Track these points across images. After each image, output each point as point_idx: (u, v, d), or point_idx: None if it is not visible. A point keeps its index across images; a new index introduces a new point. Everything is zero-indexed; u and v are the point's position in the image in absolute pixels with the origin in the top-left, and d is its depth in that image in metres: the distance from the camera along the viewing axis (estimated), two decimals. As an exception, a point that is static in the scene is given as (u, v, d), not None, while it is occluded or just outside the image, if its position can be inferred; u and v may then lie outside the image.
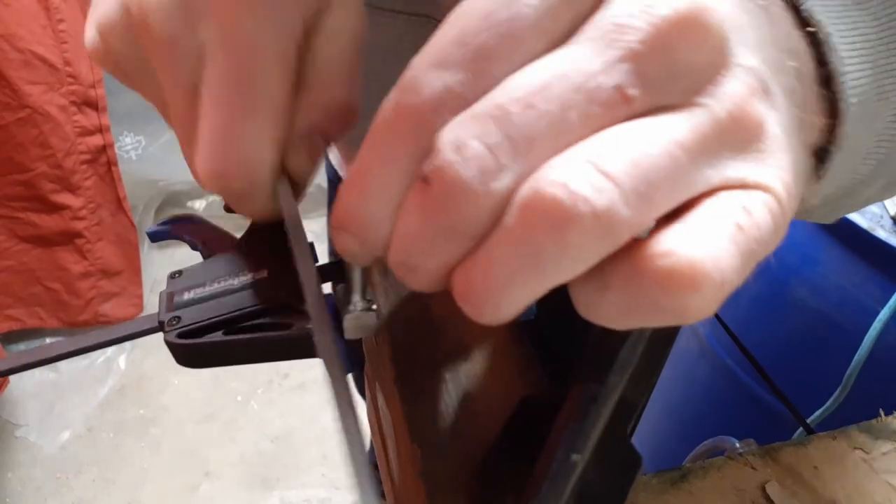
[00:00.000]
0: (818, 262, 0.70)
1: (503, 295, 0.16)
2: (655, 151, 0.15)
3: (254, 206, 0.27)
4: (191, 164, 0.25)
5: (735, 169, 0.16)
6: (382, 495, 0.32)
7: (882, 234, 0.64)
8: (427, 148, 0.16)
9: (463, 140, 0.16)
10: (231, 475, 1.43)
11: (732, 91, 0.16)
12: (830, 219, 0.30)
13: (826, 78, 0.21)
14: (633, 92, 0.15)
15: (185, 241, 0.37)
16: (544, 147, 0.15)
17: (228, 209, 0.39)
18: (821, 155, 0.22)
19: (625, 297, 0.15)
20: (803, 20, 0.21)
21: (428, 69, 0.16)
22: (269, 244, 0.34)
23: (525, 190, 0.15)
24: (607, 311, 0.16)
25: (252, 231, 0.35)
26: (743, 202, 0.16)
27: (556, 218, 0.14)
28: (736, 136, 0.16)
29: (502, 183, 0.15)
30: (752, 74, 0.17)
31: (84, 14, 1.39)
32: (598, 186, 0.14)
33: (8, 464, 1.44)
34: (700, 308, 0.15)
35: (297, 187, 0.28)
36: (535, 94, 0.15)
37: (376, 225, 0.18)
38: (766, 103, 0.17)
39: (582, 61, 0.16)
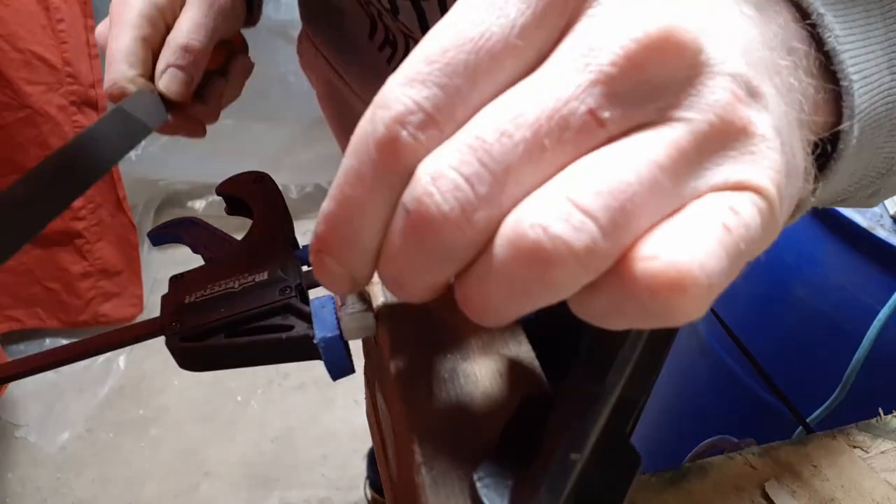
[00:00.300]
0: (818, 262, 0.70)
1: (500, 311, 0.17)
2: (633, 178, 0.15)
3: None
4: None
5: (722, 174, 0.16)
6: (380, 491, 0.32)
7: (882, 233, 0.64)
8: (401, 168, 0.16)
9: (440, 171, 0.16)
10: (231, 475, 1.43)
11: (713, 100, 0.16)
12: (873, 202, 0.29)
13: (827, 60, 0.21)
14: (606, 115, 0.15)
15: (185, 243, 0.37)
16: (522, 174, 0.16)
17: (229, 212, 0.40)
18: (833, 137, 0.22)
19: (613, 299, 0.16)
20: (799, 9, 0.21)
21: (396, 86, 0.17)
22: (270, 246, 0.34)
23: (508, 229, 0.16)
24: (597, 311, 0.16)
25: (252, 233, 0.35)
26: (730, 202, 0.16)
27: (539, 260, 0.15)
28: (720, 143, 0.16)
29: (481, 213, 0.16)
30: (734, 80, 0.16)
31: (83, 14, 1.39)
32: (576, 225, 0.15)
33: (8, 464, 1.44)
34: (687, 310, 0.15)
35: (173, 105, 0.41)
36: (509, 123, 0.16)
37: (360, 247, 0.18)
38: (753, 107, 0.17)
39: (554, 87, 0.16)
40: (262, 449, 1.48)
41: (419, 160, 0.16)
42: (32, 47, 1.32)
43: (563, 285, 0.15)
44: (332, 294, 0.30)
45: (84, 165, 0.30)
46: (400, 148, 0.16)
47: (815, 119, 0.20)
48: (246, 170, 0.40)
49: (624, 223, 0.15)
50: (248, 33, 0.52)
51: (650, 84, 0.16)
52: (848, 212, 0.66)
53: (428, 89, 0.16)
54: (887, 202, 0.66)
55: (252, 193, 0.38)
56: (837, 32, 0.21)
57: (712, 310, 0.77)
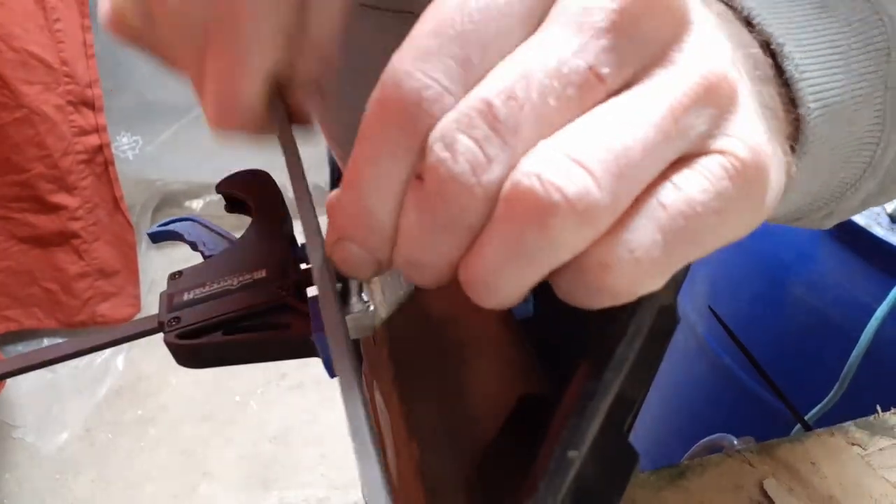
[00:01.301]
0: (815, 260, 0.70)
1: (500, 281, 0.17)
2: (627, 133, 0.16)
3: (251, 127, 0.29)
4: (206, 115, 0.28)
5: (703, 136, 0.16)
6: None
7: (879, 231, 0.64)
8: (418, 142, 0.17)
9: (451, 136, 0.16)
10: (229, 475, 1.43)
11: (703, 56, 0.16)
12: (826, 224, 0.30)
13: (785, 82, 0.21)
14: (605, 71, 0.16)
15: (185, 241, 0.37)
16: (530, 135, 0.16)
17: (229, 209, 0.40)
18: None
19: (561, 278, 0.17)
20: (758, 31, 0.21)
21: (407, 62, 0.17)
22: (268, 244, 0.34)
23: (506, 183, 0.16)
24: (559, 288, 0.17)
25: (251, 231, 0.35)
26: (676, 178, 0.16)
27: (534, 207, 0.15)
28: (708, 99, 0.16)
29: (493, 174, 0.16)
30: (719, 41, 0.17)
31: (80, 14, 1.39)
32: (570, 175, 0.15)
33: (6, 465, 1.44)
34: (618, 286, 0.16)
35: (296, 117, 0.31)
36: (514, 85, 0.16)
37: (380, 227, 0.18)
38: (735, 70, 0.17)
39: (554, 47, 0.16)
40: (261, 449, 1.48)
41: (427, 106, 0.17)
42: (29, 47, 1.32)
43: (561, 241, 0.16)
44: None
45: None
46: (418, 123, 0.17)
47: (775, 123, 0.21)
48: (243, 168, 0.40)
49: (618, 176, 0.15)
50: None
51: (643, 38, 0.16)
52: (845, 210, 0.66)
53: (440, 62, 0.17)
54: (885, 200, 0.67)
55: (251, 191, 0.38)
56: (798, 60, 0.21)
57: (710, 309, 0.77)
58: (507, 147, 0.16)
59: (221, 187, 0.39)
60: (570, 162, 0.15)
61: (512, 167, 0.16)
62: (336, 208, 0.19)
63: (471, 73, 0.17)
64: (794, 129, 0.22)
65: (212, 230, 0.37)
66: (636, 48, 0.16)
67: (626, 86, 0.17)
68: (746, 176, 0.16)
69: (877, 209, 0.66)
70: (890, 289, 0.62)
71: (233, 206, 0.39)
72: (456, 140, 0.16)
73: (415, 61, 0.17)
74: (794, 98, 0.21)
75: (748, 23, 0.22)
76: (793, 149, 0.22)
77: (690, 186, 0.16)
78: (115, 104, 1.58)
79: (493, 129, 0.16)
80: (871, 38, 0.23)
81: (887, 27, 0.23)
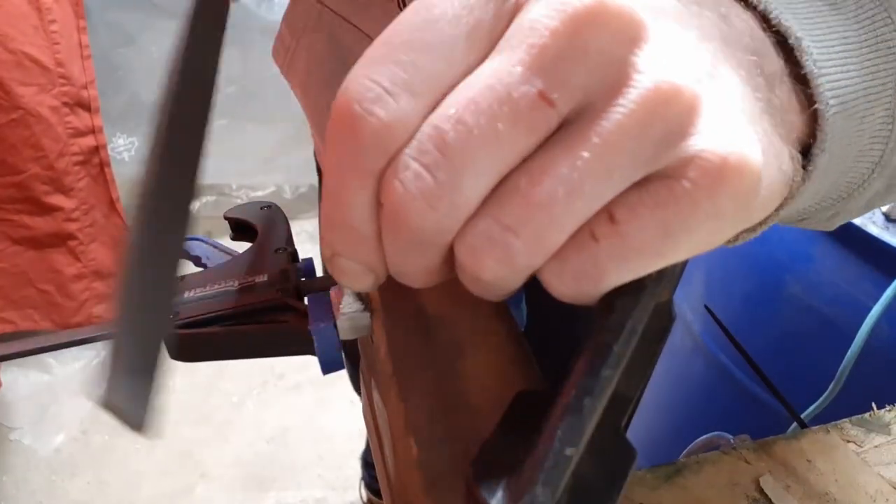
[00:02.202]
0: (811, 259, 0.70)
1: (486, 286, 0.19)
2: (561, 191, 0.16)
3: None
4: None
5: (659, 156, 0.17)
6: (377, 493, 0.32)
7: (874, 230, 0.64)
8: (372, 144, 0.17)
9: (403, 162, 0.17)
10: (227, 476, 1.43)
11: (653, 76, 0.16)
12: (831, 225, 0.30)
13: (804, 79, 0.21)
14: (555, 95, 0.16)
15: (189, 258, 0.38)
16: (482, 159, 0.16)
17: (234, 237, 0.41)
18: (805, 154, 0.22)
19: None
20: (772, 27, 0.21)
21: (357, 70, 0.17)
22: (271, 257, 0.35)
23: (456, 249, 0.18)
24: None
25: (255, 246, 0.36)
26: (618, 207, 0.17)
27: (474, 275, 0.18)
28: (662, 120, 0.16)
29: (444, 200, 0.17)
30: (677, 54, 0.17)
31: (76, 15, 1.38)
32: (501, 244, 0.17)
33: (2, 467, 1.43)
34: (577, 297, 0.18)
35: None
36: (465, 111, 0.16)
37: (364, 239, 0.19)
38: (701, 81, 0.17)
39: (503, 71, 0.16)
40: (258, 450, 1.48)
41: (384, 139, 0.17)
42: (24, 48, 1.31)
43: (498, 289, 0.18)
44: (330, 291, 0.31)
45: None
46: (359, 125, 0.17)
47: (786, 118, 0.20)
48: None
49: (546, 234, 0.17)
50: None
51: (593, 58, 0.16)
52: (840, 209, 0.66)
53: (383, 66, 0.17)
54: (879, 199, 0.67)
55: (258, 217, 0.39)
56: (816, 56, 0.21)
57: (707, 308, 0.77)
58: (456, 172, 0.16)
59: (230, 215, 0.40)
60: (502, 230, 0.17)
61: (466, 192, 0.17)
62: (321, 222, 0.20)
63: (417, 79, 0.17)
64: (808, 128, 0.22)
65: (216, 248, 0.38)
66: (586, 68, 0.16)
67: (579, 109, 0.17)
68: (710, 186, 0.16)
69: (872, 208, 0.67)
70: (885, 287, 0.62)
71: (238, 233, 0.40)
72: (407, 166, 0.17)
73: (360, 68, 0.17)
74: (812, 94, 0.21)
75: (764, 18, 0.21)
76: (807, 149, 0.22)
77: (626, 217, 0.17)
78: (111, 105, 1.57)
79: (442, 154, 0.16)
80: (881, 34, 0.23)
81: (895, 23, 0.23)
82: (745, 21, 0.21)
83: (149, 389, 0.18)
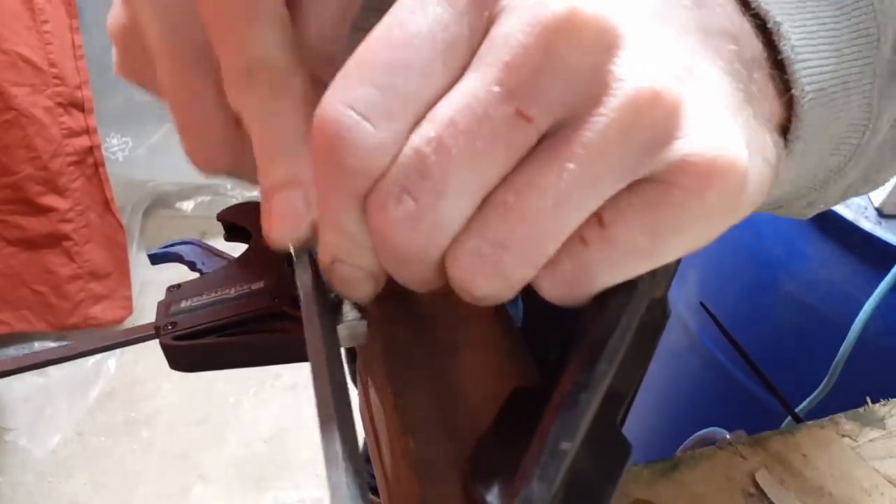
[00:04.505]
0: (804, 255, 0.70)
1: (482, 291, 0.18)
2: (547, 204, 0.16)
3: None
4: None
5: (643, 162, 0.16)
6: (374, 491, 0.32)
7: (867, 225, 0.65)
8: (352, 163, 0.17)
9: (386, 188, 0.17)
10: (224, 477, 1.43)
11: (631, 83, 0.16)
12: (808, 213, 0.30)
13: (781, 65, 0.21)
14: (532, 111, 0.16)
15: (184, 263, 0.38)
16: (464, 180, 0.16)
17: (227, 238, 0.40)
18: (784, 138, 0.22)
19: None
20: (751, 10, 0.21)
21: (334, 91, 0.17)
22: (267, 262, 0.35)
23: (447, 266, 0.18)
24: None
25: (250, 251, 0.36)
26: (607, 211, 0.17)
27: (467, 291, 0.18)
28: (644, 126, 0.16)
29: (427, 221, 0.17)
30: (655, 57, 0.17)
31: (68, 15, 1.38)
32: (491, 261, 0.17)
33: (-2, 469, 1.43)
34: (569, 299, 0.18)
35: None
36: (443, 133, 0.16)
37: (359, 244, 0.19)
38: (683, 81, 0.17)
39: (479, 90, 0.16)
40: (255, 450, 1.48)
41: (367, 163, 0.17)
42: (17, 48, 1.31)
43: (493, 300, 0.18)
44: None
45: None
46: (342, 152, 0.17)
47: (765, 104, 0.20)
48: (247, 201, 0.41)
49: (535, 247, 0.17)
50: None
51: (568, 70, 0.16)
52: (834, 205, 0.66)
53: (361, 89, 0.17)
54: (871, 194, 0.67)
55: (252, 219, 0.38)
56: (794, 42, 0.21)
57: (702, 304, 0.77)
58: (438, 195, 0.16)
59: (223, 216, 0.40)
60: (492, 247, 0.17)
61: (449, 213, 0.17)
62: (320, 230, 0.20)
63: (395, 102, 0.17)
64: (785, 114, 0.22)
65: (211, 251, 0.38)
66: (562, 81, 0.16)
67: (559, 122, 0.16)
68: (698, 188, 0.16)
69: (864, 203, 0.67)
70: (878, 282, 0.63)
71: (232, 234, 0.40)
72: (389, 191, 0.17)
73: (337, 91, 0.17)
74: (789, 80, 0.21)
75: (743, 2, 0.21)
76: (785, 134, 0.22)
77: (615, 221, 0.17)
78: (105, 106, 1.57)
79: (423, 177, 0.16)
80: (861, 24, 0.23)
81: (876, 14, 0.23)
82: (723, 6, 0.21)
83: None
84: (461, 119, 0.16)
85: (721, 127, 0.17)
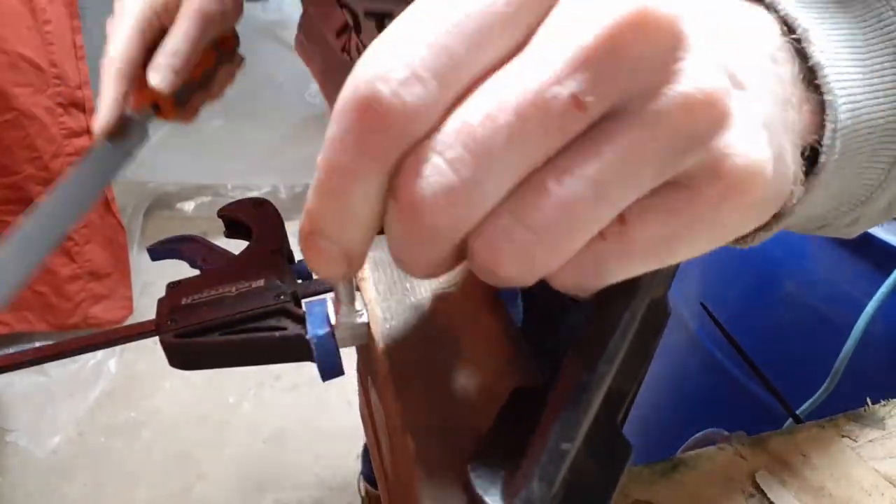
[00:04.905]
0: (806, 256, 0.70)
1: (502, 284, 0.18)
2: (587, 193, 0.16)
3: None
4: None
5: (683, 162, 0.17)
6: (374, 484, 0.32)
7: (868, 226, 0.64)
8: (391, 125, 0.16)
9: (425, 156, 0.16)
10: (224, 477, 1.43)
11: (692, 84, 0.16)
12: (852, 232, 0.29)
13: (811, 74, 0.21)
14: (588, 99, 0.16)
15: (184, 259, 0.38)
16: (507, 158, 0.16)
17: (228, 234, 0.41)
18: (813, 152, 0.22)
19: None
20: (786, 25, 0.21)
21: (381, 45, 0.16)
22: (267, 259, 0.35)
23: (471, 248, 0.17)
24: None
25: (251, 248, 0.36)
26: (631, 212, 0.17)
27: (490, 269, 0.17)
28: (691, 131, 0.16)
29: (466, 197, 0.16)
30: (715, 65, 0.17)
31: (70, 15, 1.38)
32: (520, 243, 0.17)
33: (-2, 469, 1.43)
34: (584, 288, 0.18)
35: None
36: (494, 107, 0.16)
37: (352, 217, 0.18)
38: (733, 94, 0.17)
39: (537, 70, 0.16)
40: (255, 450, 1.48)
41: (406, 126, 0.16)
42: (18, 49, 1.31)
43: (512, 283, 0.18)
44: (327, 298, 0.31)
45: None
46: (382, 107, 0.16)
47: (799, 127, 0.21)
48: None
49: (568, 235, 0.17)
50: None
51: (631, 65, 0.16)
52: (835, 205, 0.66)
53: (413, 47, 0.16)
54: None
55: (252, 216, 0.39)
56: (822, 47, 0.21)
57: (703, 305, 0.77)
58: (481, 170, 0.16)
59: (223, 212, 0.40)
60: (524, 230, 0.16)
61: (488, 191, 0.16)
62: (309, 195, 0.18)
63: (447, 66, 0.16)
64: (816, 121, 0.22)
65: (211, 248, 0.38)
66: (623, 75, 0.16)
67: (610, 113, 0.16)
68: (719, 199, 0.17)
69: (866, 204, 0.67)
70: (880, 283, 0.63)
71: (232, 230, 0.40)
72: (429, 160, 0.16)
73: (385, 45, 0.16)
74: (819, 85, 0.21)
75: (770, 9, 0.21)
76: (818, 143, 0.22)
77: (635, 219, 0.17)
78: (106, 106, 1.57)
79: (468, 151, 0.16)
80: (888, 34, 0.23)
81: None
82: (761, 19, 0.21)
83: None
84: (515, 99, 0.16)
85: (757, 145, 0.17)
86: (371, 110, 0.16)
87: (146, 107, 0.48)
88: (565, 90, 0.16)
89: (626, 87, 0.16)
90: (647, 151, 0.16)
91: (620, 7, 0.15)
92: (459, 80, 0.16)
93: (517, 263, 0.17)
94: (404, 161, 0.17)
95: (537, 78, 0.16)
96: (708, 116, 0.16)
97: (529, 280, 0.18)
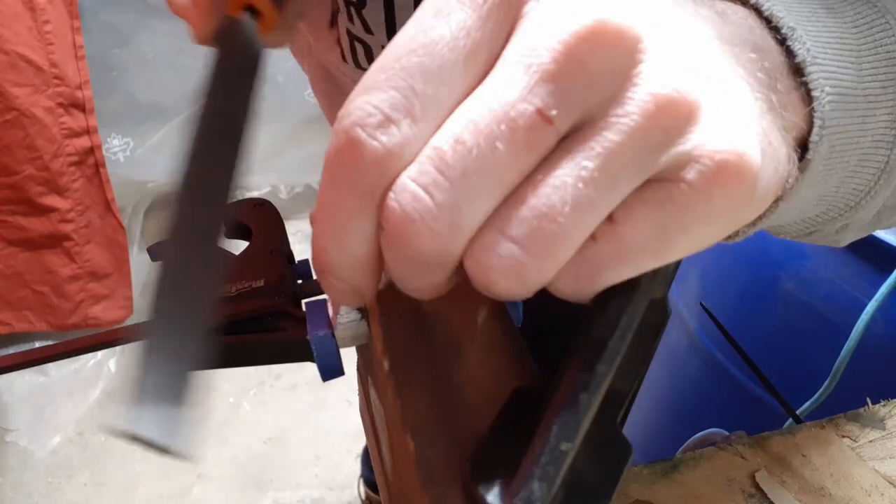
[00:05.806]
0: (805, 256, 0.70)
1: (504, 296, 0.18)
2: (566, 200, 0.16)
3: None
4: None
5: (659, 161, 0.17)
6: (374, 488, 0.32)
7: (868, 226, 0.64)
8: (372, 169, 0.17)
9: (401, 184, 0.17)
10: (224, 477, 1.43)
11: (654, 88, 0.16)
12: (841, 240, 0.30)
13: (798, 69, 0.21)
14: (553, 113, 0.16)
15: None
16: (482, 179, 0.17)
17: (227, 235, 0.40)
18: (804, 151, 0.22)
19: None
20: (768, 21, 0.21)
21: (357, 96, 0.17)
22: (267, 259, 0.35)
23: (466, 265, 0.18)
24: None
25: (250, 248, 0.36)
26: (618, 211, 0.17)
27: (486, 288, 0.18)
28: (664, 130, 0.17)
29: (444, 221, 0.17)
30: (678, 65, 0.17)
31: (70, 15, 1.38)
32: (509, 258, 0.17)
33: (-2, 469, 1.43)
34: (580, 294, 0.18)
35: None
36: (462, 130, 0.16)
37: (352, 262, 0.19)
38: (703, 88, 0.17)
39: (502, 91, 0.16)
40: (255, 450, 1.48)
41: (386, 164, 0.17)
42: (18, 49, 1.31)
43: (512, 297, 0.18)
44: (327, 298, 0.31)
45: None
46: (362, 150, 0.17)
47: (787, 115, 0.21)
48: (248, 198, 0.41)
49: (551, 244, 0.17)
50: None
51: (592, 76, 0.16)
52: (835, 205, 0.66)
53: (383, 92, 0.17)
54: (873, 195, 0.67)
55: (251, 216, 0.39)
56: (809, 46, 0.21)
57: (702, 305, 0.77)
58: (456, 192, 0.17)
59: None
60: (507, 242, 0.17)
61: (466, 213, 0.17)
62: (314, 242, 0.20)
63: (416, 104, 0.17)
64: (807, 127, 0.22)
65: None
66: (585, 86, 0.16)
67: (578, 124, 0.17)
68: (707, 189, 0.17)
69: (866, 204, 0.67)
70: (880, 283, 0.63)
71: (232, 231, 0.40)
72: (404, 187, 0.17)
73: (360, 95, 0.17)
74: (806, 83, 0.21)
75: (760, 15, 0.22)
76: (806, 140, 0.22)
77: (624, 217, 0.17)
78: (106, 106, 1.57)
79: (441, 174, 0.16)
80: (879, 40, 0.23)
81: (894, 29, 0.23)
82: (744, 18, 0.21)
83: (182, 411, 0.18)
84: (481, 119, 0.16)
85: (735, 130, 0.17)
86: (353, 155, 0.17)
87: (242, 13, 0.34)
88: (530, 106, 0.16)
89: (589, 96, 0.16)
90: (620, 154, 0.16)
91: (577, 21, 0.16)
92: (431, 115, 0.17)
93: (509, 277, 0.17)
94: (386, 192, 0.17)
95: (501, 98, 0.16)
96: (674, 113, 0.16)
97: (526, 292, 0.18)
